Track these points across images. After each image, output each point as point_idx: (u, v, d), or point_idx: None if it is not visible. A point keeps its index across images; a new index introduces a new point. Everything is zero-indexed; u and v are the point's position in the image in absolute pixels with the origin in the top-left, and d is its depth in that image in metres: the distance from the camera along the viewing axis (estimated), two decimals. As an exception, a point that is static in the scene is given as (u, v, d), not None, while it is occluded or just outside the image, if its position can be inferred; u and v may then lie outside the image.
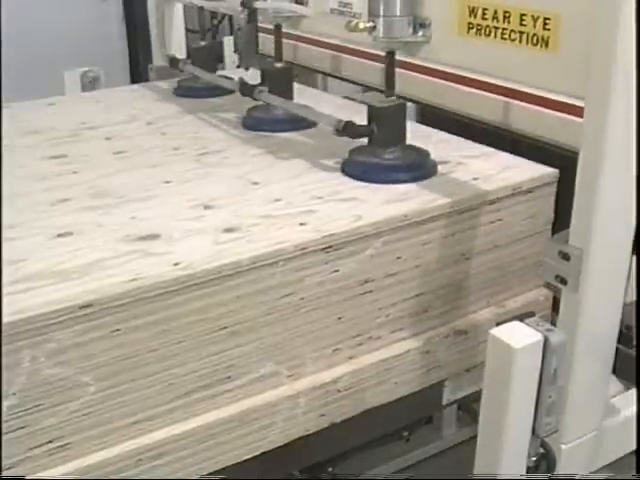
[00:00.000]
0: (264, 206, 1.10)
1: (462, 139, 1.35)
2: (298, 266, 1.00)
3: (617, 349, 1.10)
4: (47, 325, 0.86)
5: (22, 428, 0.88)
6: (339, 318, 1.07)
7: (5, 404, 0.86)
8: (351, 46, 1.55)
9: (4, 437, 0.87)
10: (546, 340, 1.03)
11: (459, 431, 1.88)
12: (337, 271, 1.03)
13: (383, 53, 1.18)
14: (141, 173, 1.25)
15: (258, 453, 1.05)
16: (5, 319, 0.84)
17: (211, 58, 1.69)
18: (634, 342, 1.17)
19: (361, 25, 1.13)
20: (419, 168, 1.17)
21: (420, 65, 1.35)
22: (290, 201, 1.12)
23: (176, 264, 0.94)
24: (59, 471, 0.92)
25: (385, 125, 1.17)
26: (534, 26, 1.16)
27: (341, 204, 1.10)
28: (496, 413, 1.04)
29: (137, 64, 2.37)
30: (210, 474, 1.03)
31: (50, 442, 0.91)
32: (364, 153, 1.20)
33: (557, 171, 1.20)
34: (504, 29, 1.20)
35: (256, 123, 1.43)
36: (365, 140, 1.21)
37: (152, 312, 0.92)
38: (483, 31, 1.23)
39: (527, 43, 1.17)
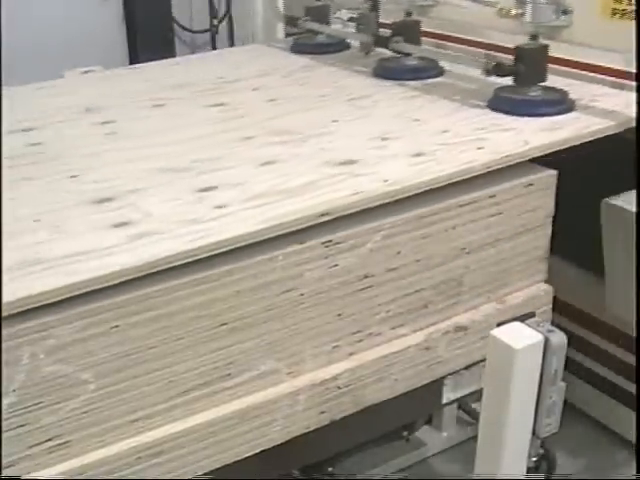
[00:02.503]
0: (435, 137, 1.21)
1: (586, 82, 1.43)
2: (298, 260, 1.00)
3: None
4: (46, 321, 0.85)
5: (22, 426, 0.88)
6: (339, 314, 1.06)
7: (5, 402, 0.86)
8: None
9: (4, 435, 0.87)
10: (547, 341, 1.04)
11: (459, 431, 1.87)
12: (337, 265, 1.03)
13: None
14: (305, 115, 1.36)
15: (258, 451, 1.05)
16: (257, 227, 0.95)
17: (326, 16, 1.79)
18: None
19: (513, 11, 1.32)
20: (562, 103, 1.31)
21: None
22: (457, 132, 1.23)
23: (385, 180, 1.05)
24: (59, 469, 0.92)
25: (531, 65, 1.32)
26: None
27: (504, 133, 1.21)
28: (496, 413, 1.04)
29: (137, 64, 2.37)
30: (210, 472, 1.03)
31: (50, 440, 0.91)
32: (512, 91, 1.33)
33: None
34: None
35: (389, 72, 1.55)
36: (495, 82, 1.35)
37: (151, 308, 0.91)
38: (627, 16, 1.29)
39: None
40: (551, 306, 1.27)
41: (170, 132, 1.29)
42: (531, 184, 1.17)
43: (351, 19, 1.76)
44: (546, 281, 1.27)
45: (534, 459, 1.13)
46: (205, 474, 1.03)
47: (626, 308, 1.44)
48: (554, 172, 1.19)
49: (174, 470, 0.99)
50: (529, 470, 1.12)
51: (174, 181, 1.10)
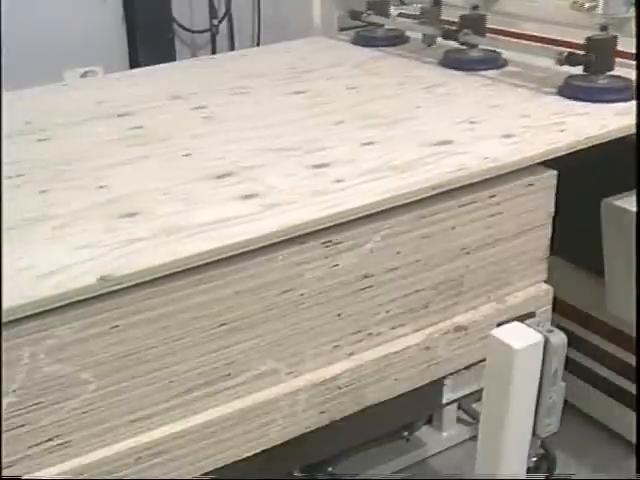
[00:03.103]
0: (517, 120, 1.28)
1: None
2: (298, 260, 1.00)
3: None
4: (46, 321, 0.85)
5: (22, 426, 0.88)
6: (339, 314, 1.06)
7: (5, 402, 0.86)
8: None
9: (4, 435, 0.87)
10: (547, 341, 1.04)
11: (459, 431, 1.87)
12: (337, 265, 1.03)
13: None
14: (387, 101, 1.41)
15: (258, 451, 1.05)
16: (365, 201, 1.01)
17: (386, 10, 1.86)
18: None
19: (586, 5, 1.46)
20: (628, 90, 1.38)
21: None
22: (536, 116, 1.29)
23: (485, 158, 1.12)
24: (59, 469, 0.92)
25: (601, 54, 1.40)
26: None
27: (581, 117, 1.28)
28: (496, 413, 1.04)
29: (137, 64, 2.37)
30: (210, 472, 1.03)
31: (50, 440, 0.91)
32: (583, 79, 1.40)
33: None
34: None
35: (457, 62, 1.61)
36: (560, 72, 1.43)
37: (151, 308, 0.91)
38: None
39: None
40: (551, 306, 1.27)
41: (263, 116, 1.37)
42: (531, 184, 1.17)
43: (400, 14, 1.90)
44: (546, 281, 1.27)
45: (534, 459, 1.13)
46: (205, 474, 1.03)
47: (626, 308, 1.44)
48: (554, 172, 1.19)
49: (174, 470, 0.99)
50: (529, 470, 1.12)
51: (285, 159, 1.17)
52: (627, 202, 1.37)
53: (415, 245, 1.10)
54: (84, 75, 2.21)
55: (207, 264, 0.93)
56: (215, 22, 2.58)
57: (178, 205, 1.04)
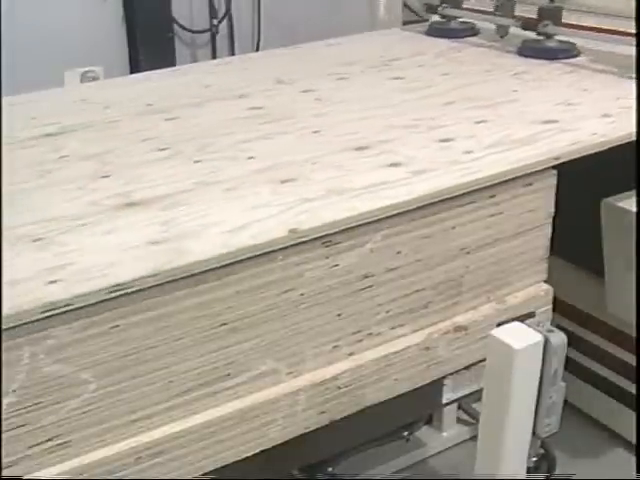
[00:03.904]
0: (611, 102, 1.37)
1: None
2: (298, 260, 1.00)
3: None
4: (46, 321, 0.85)
5: (22, 426, 0.88)
6: (339, 314, 1.06)
7: (5, 401, 0.86)
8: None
9: (4, 435, 0.87)
10: (547, 341, 1.04)
11: (459, 431, 1.88)
12: (337, 265, 1.03)
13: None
14: (483, 86, 1.51)
15: (258, 451, 1.05)
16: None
17: (460, 4, 1.95)
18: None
19: None
20: None
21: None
22: (627, 99, 1.36)
23: (594, 134, 1.21)
24: (59, 469, 0.92)
25: None
26: None
27: None
28: (496, 413, 1.04)
29: (137, 64, 2.37)
30: (210, 472, 1.03)
31: (50, 440, 0.90)
32: None
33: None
34: None
35: (537, 52, 1.70)
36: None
37: (151, 308, 0.91)
38: None
39: None
40: (551, 306, 1.27)
41: (372, 98, 1.46)
42: (531, 184, 1.17)
43: (466, 9, 1.99)
44: (546, 281, 1.27)
45: (534, 459, 1.13)
46: (205, 474, 1.02)
47: (626, 308, 1.45)
48: (554, 172, 1.19)
49: (174, 470, 0.99)
50: (529, 470, 1.12)
51: (412, 134, 1.26)
52: (627, 202, 1.37)
53: (415, 245, 1.10)
54: (84, 75, 2.21)
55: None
56: (215, 22, 2.58)
57: (331, 172, 1.13)
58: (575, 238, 1.51)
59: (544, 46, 1.71)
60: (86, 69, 2.17)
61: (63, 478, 0.92)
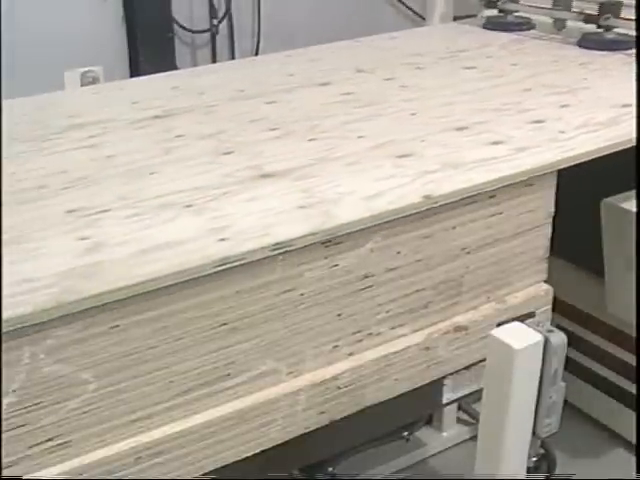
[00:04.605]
0: None
1: None
2: (298, 260, 1.00)
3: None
4: (46, 321, 0.85)
5: (22, 426, 0.88)
6: (339, 314, 1.06)
7: (5, 401, 0.86)
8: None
9: (4, 435, 0.87)
10: (547, 341, 1.04)
11: (459, 431, 1.88)
12: (337, 265, 1.03)
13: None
14: (554, 75, 1.57)
15: (258, 451, 1.05)
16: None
17: None
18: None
19: None
20: None
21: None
22: None
23: None
24: (59, 469, 0.92)
25: None
26: None
27: None
28: (496, 413, 1.04)
29: (137, 64, 2.37)
30: (210, 472, 1.03)
31: (50, 440, 0.90)
32: None
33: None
34: None
35: (598, 44, 1.77)
36: None
37: (151, 308, 0.91)
38: None
39: None
40: (551, 306, 1.27)
41: (452, 86, 1.52)
42: (531, 184, 1.17)
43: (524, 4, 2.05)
44: (546, 281, 1.27)
45: (534, 459, 1.13)
46: (205, 474, 1.02)
47: (626, 308, 1.45)
48: (554, 172, 1.19)
49: (174, 470, 0.99)
50: (529, 470, 1.12)
51: (503, 117, 1.33)
52: (627, 202, 1.37)
53: (415, 245, 1.10)
54: (84, 75, 2.21)
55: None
56: (215, 22, 2.58)
57: (440, 149, 1.20)
58: (575, 238, 1.51)
59: (605, 38, 1.78)
60: (86, 69, 2.17)
61: (63, 478, 0.92)
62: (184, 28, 2.53)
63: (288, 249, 0.96)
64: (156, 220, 1.01)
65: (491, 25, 2.01)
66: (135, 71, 2.38)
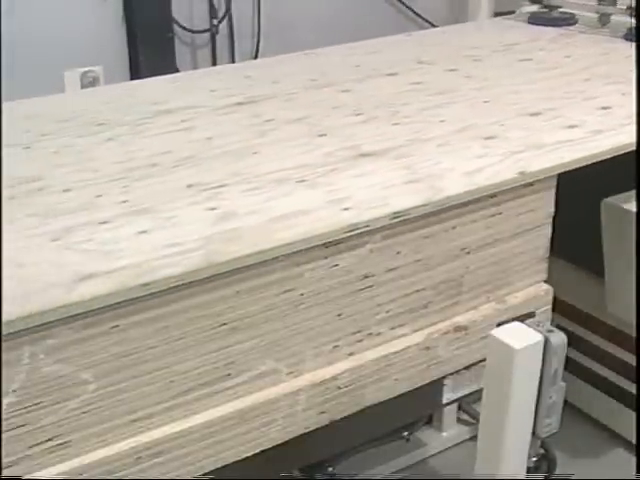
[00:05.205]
0: None
1: None
2: (298, 260, 1.00)
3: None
4: (46, 321, 0.85)
5: (22, 426, 0.88)
6: (339, 314, 1.06)
7: (5, 401, 0.86)
8: None
9: (4, 435, 0.87)
10: (547, 341, 1.04)
11: (459, 431, 1.87)
12: (337, 265, 1.03)
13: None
14: (607, 67, 1.62)
15: (258, 451, 1.05)
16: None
17: None
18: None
19: None
20: None
21: None
22: None
23: None
24: (59, 469, 0.92)
25: None
26: None
27: None
28: (496, 413, 1.04)
29: (137, 64, 2.37)
30: (210, 472, 1.03)
31: (50, 440, 0.90)
32: None
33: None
34: None
35: None
36: None
37: (152, 308, 0.91)
38: None
39: None
40: (551, 306, 1.27)
41: (513, 76, 1.58)
42: (531, 184, 1.17)
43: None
44: (546, 281, 1.27)
45: (534, 459, 1.13)
46: (205, 474, 1.02)
47: (626, 308, 1.45)
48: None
49: (174, 470, 0.99)
50: (529, 470, 1.12)
51: (571, 104, 1.39)
52: (627, 202, 1.37)
53: (415, 245, 1.10)
54: (84, 75, 2.21)
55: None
56: (215, 22, 2.58)
57: (521, 132, 1.26)
58: (575, 238, 1.51)
59: None
60: (86, 69, 2.16)
61: (63, 478, 0.92)
62: (184, 28, 2.53)
63: (406, 217, 1.05)
64: (275, 193, 1.08)
65: (536, 20, 2.07)
66: (135, 71, 2.37)
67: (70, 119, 1.39)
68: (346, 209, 1.03)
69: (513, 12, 2.17)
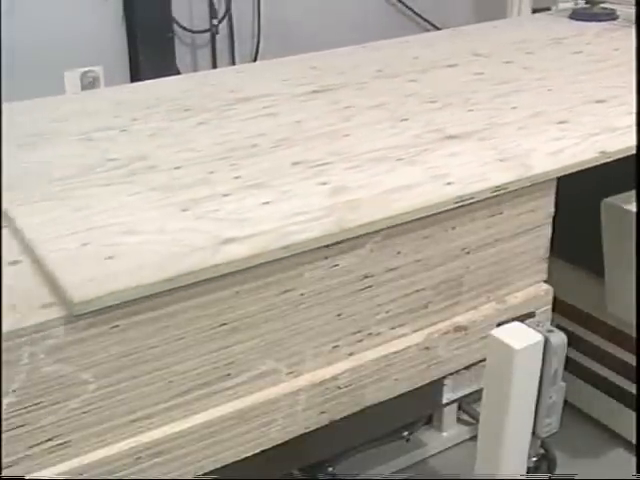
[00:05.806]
0: None
1: None
2: (298, 260, 1.00)
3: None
4: (46, 321, 0.85)
5: (22, 426, 0.88)
6: (339, 314, 1.06)
7: (5, 401, 0.86)
8: None
9: (4, 435, 0.87)
10: (547, 341, 1.04)
11: (459, 431, 1.87)
12: (337, 266, 1.03)
13: None
14: None
15: (258, 451, 1.05)
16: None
17: None
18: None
19: None
20: None
21: None
22: None
23: None
24: (59, 469, 0.92)
25: None
26: None
27: None
28: (496, 413, 1.04)
29: (137, 64, 2.37)
30: (210, 472, 1.03)
31: (50, 440, 0.90)
32: None
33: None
34: None
35: None
36: None
37: (152, 308, 0.91)
38: None
39: None
40: (551, 306, 1.27)
41: (567, 68, 1.65)
42: (531, 184, 1.17)
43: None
44: (546, 281, 1.27)
45: (534, 459, 1.13)
46: (205, 474, 1.02)
47: (626, 308, 1.44)
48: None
49: (174, 470, 0.99)
50: (529, 470, 1.12)
51: (631, 93, 1.44)
52: (627, 202, 1.37)
53: (415, 245, 1.10)
54: (84, 75, 2.21)
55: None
56: (215, 22, 2.58)
57: (590, 117, 1.34)
58: (575, 238, 1.51)
59: None
60: (86, 69, 2.17)
61: (63, 478, 0.92)
62: (184, 28, 2.53)
63: (505, 191, 1.11)
64: (378, 170, 1.14)
65: (578, 16, 2.15)
66: (135, 71, 2.38)
67: (155, 105, 1.46)
68: (449, 183, 1.09)
69: (548, 9, 2.27)
